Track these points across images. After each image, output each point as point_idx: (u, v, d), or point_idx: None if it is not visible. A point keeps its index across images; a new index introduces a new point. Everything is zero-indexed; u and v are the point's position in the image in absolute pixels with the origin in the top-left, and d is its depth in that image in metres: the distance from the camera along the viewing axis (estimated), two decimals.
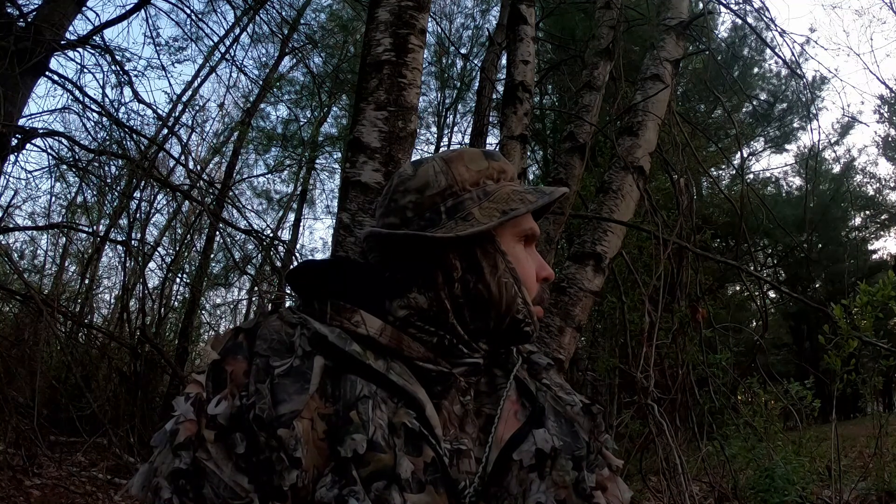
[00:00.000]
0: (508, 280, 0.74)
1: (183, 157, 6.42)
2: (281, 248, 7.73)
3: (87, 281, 8.36)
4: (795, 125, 14.36)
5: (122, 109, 5.71)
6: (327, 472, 0.61)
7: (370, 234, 0.76)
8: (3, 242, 6.76)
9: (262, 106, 11.26)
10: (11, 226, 6.58)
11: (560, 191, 0.79)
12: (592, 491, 0.73)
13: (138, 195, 5.84)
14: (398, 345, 0.70)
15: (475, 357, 0.74)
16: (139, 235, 6.10)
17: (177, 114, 8.81)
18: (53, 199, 7.05)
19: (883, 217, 16.90)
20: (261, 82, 9.31)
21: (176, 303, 9.58)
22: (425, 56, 2.17)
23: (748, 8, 4.60)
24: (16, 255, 8.90)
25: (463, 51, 11.80)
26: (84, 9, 5.35)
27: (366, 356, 0.68)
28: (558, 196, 0.79)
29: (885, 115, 14.92)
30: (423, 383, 0.70)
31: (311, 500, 0.60)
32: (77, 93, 5.39)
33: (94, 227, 7.20)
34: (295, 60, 10.74)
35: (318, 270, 0.78)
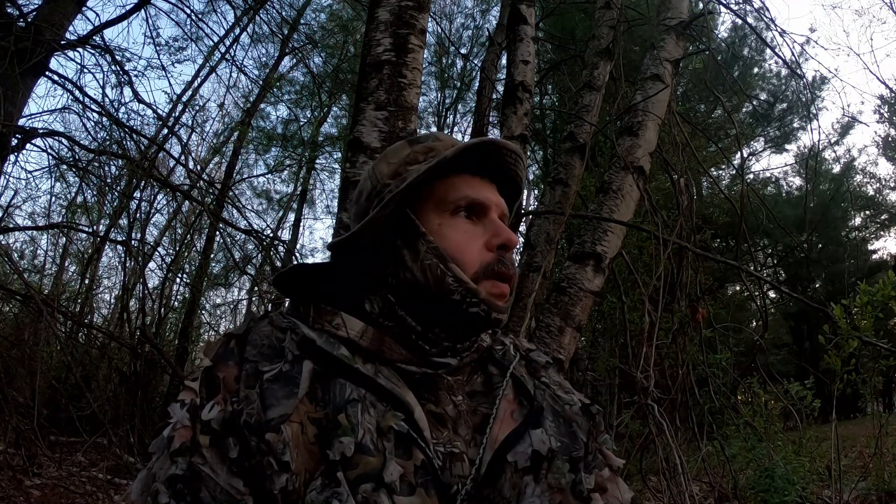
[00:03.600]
0: (431, 261, 0.71)
1: (183, 157, 6.43)
2: (281, 248, 7.73)
3: (87, 281, 8.36)
4: (795, 125, 14.37)
5: (122, 109, 5.71)
6: (317, 476, 0.61)
7: (328, 247, 0.81)
8: (3, 242, 6.77)
9: (262, 106, 11.27)
10: (11, 226, 6.58)
11: (484, 140, 0.74)
12: (590, 493, 0.72)
13: (138, 195, 5.84)
14: (379, 347, 0.71)
15: (439, 351, 0.72)
16: (139, 235, 6.10)
17: (177, 114, 8.80)
18: (53, 199, 7.05)
19: (883, 217, 16.90)
20: (261, 82, 9.31)
21: (176, 303, 9.57)
22: (425, 56, 2.17)
23: (748, 8, 4.60)
24: (16, 255, 8.91)
25: (463, 51, 11.79)
26: (84, 9, 5.35)
27: (354, 360, 0.69)
28: (466, 146, 0.73)
29: (885, 115, 14.92)
30: (411, 386, 0.70)
31: (302, 503, 0.60)
32: (77, 93, 5.40)
33: (94, 227, 7.20)
34: (295, 60, 10.75)
35: (307, 273, 0.80)
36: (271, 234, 8.71)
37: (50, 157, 5.51)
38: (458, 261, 0.71)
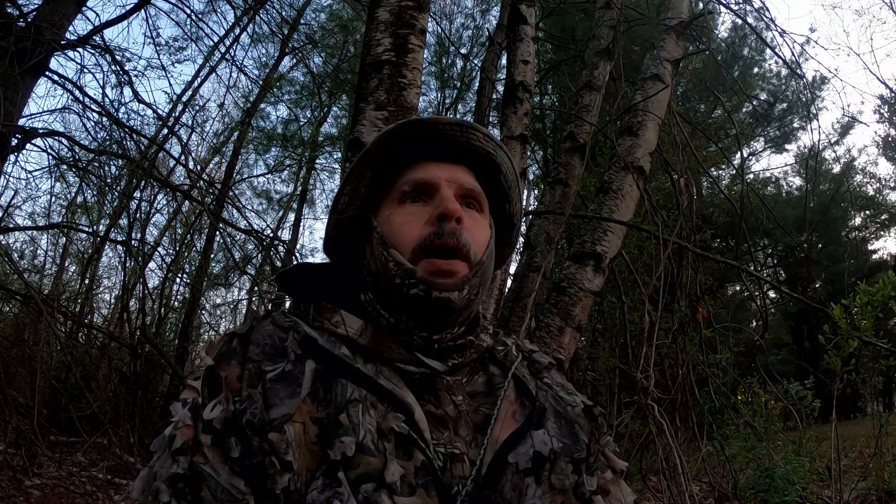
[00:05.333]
0: (378, 250, 0.73)
1: (183, 157, 6.44)
2: (281, 248, 7.71)
3: (87, 281, 8.35)
4: (795, 125, 14.40)
5: (122, 109, 5.72)
6: (318, 476, 0.61)
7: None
8: (3, 242, 6.77)
9: (262, 106, 11.28)
10: (11, 226, 6.58)
11: (401, 123, 0.75)
12: (592, 495, 0.71)
13: (138, 195, 5.86)
14: (378, 346, 0.71)
15: (423, 346, 0.72)
16: (139, 235, 6.12)
17: (177, 114, 8.81)
18: (53, 199, 7.06)
19: (883, 217, 16.90)
20: (261, 82, 9.31)
21: (176, 303, 9.57)
22: (425, 56, 2.17)
23: (748, 8, 4.60)
24: (16, 255, 8.91)
25: (463, 51, 11.78)
26: (84, 9, 5.36)
27: (355, 360, 0.69)
28: (381, 133, 0.75)
29: (885, 115, 14.92)
30: (411, 387, 0.70)
31: (303, 503, 0.60)
32: (77, 93, 5.40)
33: (94, 227, 7.20)
34: (295, 60, 10.75)
35: (308, 272, 0.81)
36: (271, 234, 8.69)
37: (50, 157, 5.52)
38: (398, 243, 0.72)
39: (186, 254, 9.26)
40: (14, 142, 4.86)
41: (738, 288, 11.72)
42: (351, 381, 0.67)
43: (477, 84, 7.92)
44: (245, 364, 0.67)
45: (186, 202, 7.66)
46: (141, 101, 5.87)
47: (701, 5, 4.83)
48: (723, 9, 5.17)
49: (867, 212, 16.87)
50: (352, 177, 0.77)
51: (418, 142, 0.76)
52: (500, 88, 5.49)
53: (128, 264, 6.33)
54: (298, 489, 0.60)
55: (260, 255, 7.25)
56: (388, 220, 0.74)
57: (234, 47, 8.10)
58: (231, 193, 8.47)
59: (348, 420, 0.63)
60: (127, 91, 6.15)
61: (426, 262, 0.70)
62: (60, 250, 9.70)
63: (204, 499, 0.60)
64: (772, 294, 14.12)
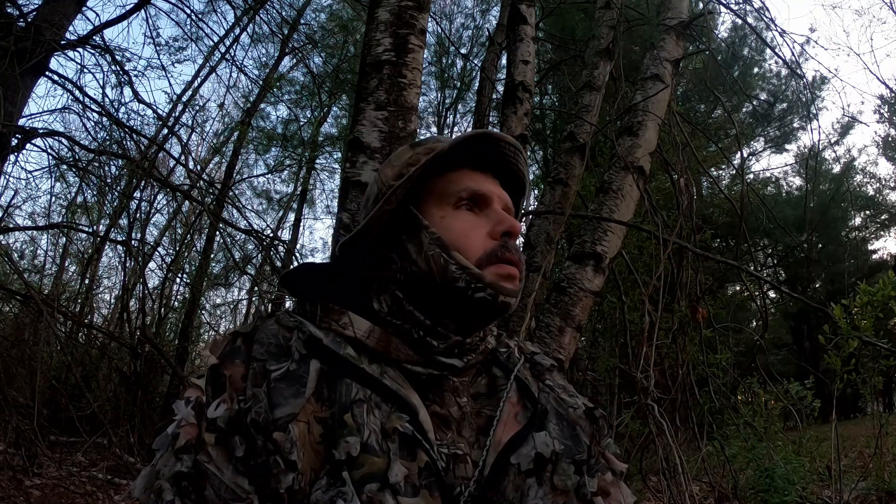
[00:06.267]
0: (434, 251, 0.72)
1: (183, 157, 6.43)
2: (281, 248, 7.70)
3: (87, 281, 8.35)
4: (795, 125, 14.41)
5: (122, 109, 5.70)
6: (323, 475, 0.61)
7: (339, 247, 0.81)
8: (3, 242, 6.77)
9: (262, 106, 11.27)
10: (11, 226, 6.58)
11: (480, 132, 0.75)
12: (593, 497, 0.72)
13: (138, 195, 5.85)
14: (385, 348, 0.71)
15: (446, 349, 0.72)
16: (139, 235, 6.12)
17: (177, 114, 8.80)
18: (53, 199, 7.07)
19: (883, 217, 16.92)
20: (261, 82, 9.30)
21: (176, 303, 9.57)
22: (425, 56, 2.17)
23: (748, 8, 4.60)
24: (16, 255, 8.91)
25: (463, 51, 11.78)
26: (84, 9, 5.35)
27: (360, 360, 0.69)
28: (462, 138, 0.74)
29: (885, 115, 14.94)
30: (416, 387, 0.70)
31: (308, 502, 0.60)
32: (77, 93, 5.40)
33: (94, 227, 7.20)
34: (295, 60, 10.75)
35: (313, 272, 0.80)
36: (271, 234, 8.69)
37: (50, 157, 5.51)
38: (461, 249, 0.72)
39: (186, 254, 9.26)
40: (14, 142, 4.86)
41: (738, 288, 11.71)
42: (355, 381, 0.67)
43: (477, 84, 7.92)
44: (249, 363, 0.67)
45: (186, 202, 7.65)
46: (141, 101, 5.87)
47: (701, 5, 4.84)
48: (723, 9, 5.17)
49: (867, 212, 16.90)
50: (416, 171, 0.75)
51: (473, 150, 0.77)
52: (500, 88, 5.49)
53: (128, 264, 6.33)
54: (302, 489, 0.60)
55: (260, 255, 7.24)
56: (443, 222, 0.74)
57: (234, 47, 8.10)
58: (231, 193, 8.46)
59: (353, 420, 0.64)
60: (127, 91, 6.16)
61: (496, 267, 0.72)
62: (60, 250, 9.71)
63: (207, 497, 0.60)
64: (772, 294, 14.14)
